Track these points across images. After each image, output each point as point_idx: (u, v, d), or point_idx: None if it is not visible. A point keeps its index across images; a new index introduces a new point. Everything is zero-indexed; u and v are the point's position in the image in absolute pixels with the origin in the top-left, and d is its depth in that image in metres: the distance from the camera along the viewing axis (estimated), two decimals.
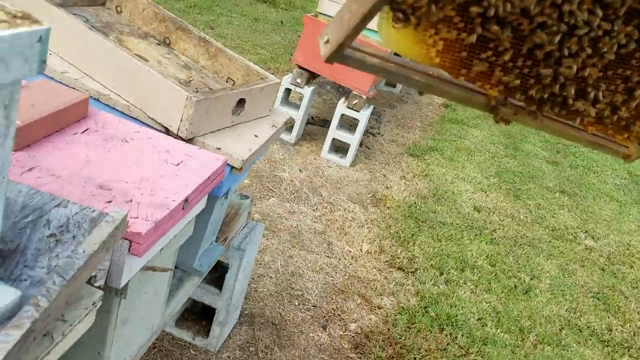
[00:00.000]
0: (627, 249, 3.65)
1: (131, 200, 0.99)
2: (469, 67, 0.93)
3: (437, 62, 0.91)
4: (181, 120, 1.25)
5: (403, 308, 2.51)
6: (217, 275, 2.02)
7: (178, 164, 1.15)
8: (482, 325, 2.51)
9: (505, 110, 1.02)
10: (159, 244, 1.02)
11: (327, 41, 0.84)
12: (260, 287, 2.42)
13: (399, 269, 2.81)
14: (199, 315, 2.10)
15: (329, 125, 3.88)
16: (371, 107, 3.83)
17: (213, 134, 1.34)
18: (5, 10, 0.53)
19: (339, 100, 4.03)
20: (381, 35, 0.89)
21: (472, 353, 2.32)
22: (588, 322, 2.80)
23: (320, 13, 3.78)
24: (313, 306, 2.41)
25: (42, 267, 0.71)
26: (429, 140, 4.55)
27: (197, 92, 1.29)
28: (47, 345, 0.67)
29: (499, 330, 2.50)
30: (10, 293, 0.62)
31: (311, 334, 2.25)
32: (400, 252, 2.92)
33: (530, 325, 2.61)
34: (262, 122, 1.48)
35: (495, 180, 4.12)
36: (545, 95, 1.01)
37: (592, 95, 1.03)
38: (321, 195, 3.33)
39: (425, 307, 2.54)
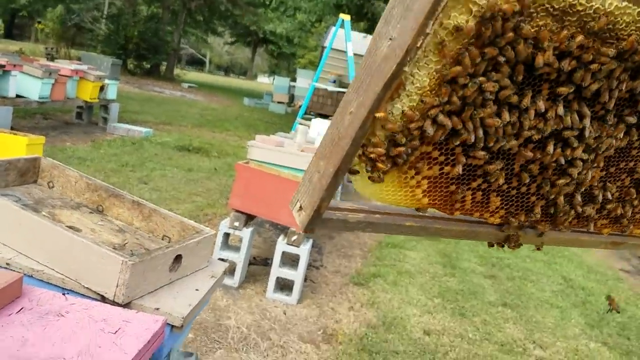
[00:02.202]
0: (576, 354, 3.72)
1: None
2: (462, 200, 0.85)
3: (427, 203, 0.81)
4: (117, 286, 1.26)
5: None
6: None
7: (116, 331, 1.14)
8: None
9: (523, 235, 0.90)
10: None
11: (300, 208, 0.74)
12: None
13: None
14: None
15: (271, 264, 3.90)
16: (311, 241, 3.92)
17: (150, 294, 1.35)
18: None
19: (278, 237, 4.11)
20: (357, 187, 0.83)
21: None
22: None
23: (251, 159, 4.00)
24: None
25: None
26: (371, 267, 4.63)
27: (132, 255, 1.32)
28: None
29: None
30: None
31: None
32: None
33: None
34: (201, 274, 1.51)
35: (440, 300, 4.18)
36: (551, 210, 0.91)
37: (600, 197, 0.93)
38: (270, 339, 3.24)
39: None
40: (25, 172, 1.63)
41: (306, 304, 3.78)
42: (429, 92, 0.74)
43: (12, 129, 5.83)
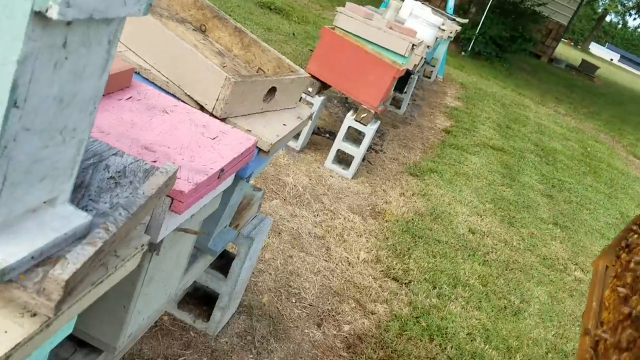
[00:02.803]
0: None
1: (173, 163, 1.04)
2: None
3: None
4: (217, 100, 1.32)
5: (395, 316, 2.56)
6: (223, 262, 2.07)
7: (214, 138, 1.21)
8: (471, 340, 2.57)
9: None
10: (193, 208, 1.08)
11: None
12: (260, 282, 2.46)
13: (394, 279, 2.86)
14: (199, 301, 2.14)
15: (334, 136, 3.96)
16: (377, 123, 3.92)
17: (244, 117, 1.41)
18: None
19: (344, 114, 4.12)
20: None
21: None
22: (574, 348, 2.86)
23: (337, 27, 3.89)
24: (309, 305, 2.46)
25: (105, 203, 0.76)
26: (429, 162, 4.64)
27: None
28: (101, 274, 0.73)
29: (487, 346, 2.56)
30: (82, 216, 0.68)
31: (306, 330, 2.29)
32: (396, 264, 2.98)
33: (517, 345, 2.67)
34: (289, 113, 1.55)
35: (491, 206, 4.20)
36: None
37: None
38: (322, 203, 3.39)
39: (417, 317, 2.59)
40: None
41: (360, 180, 3.88)
42: None
43: None
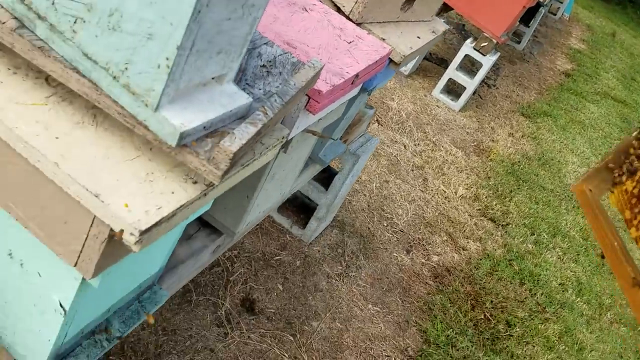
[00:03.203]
0: None
1: None
2: None
3: None
4: (356, 3, 1.27)
5: (488, 255, 2.51)
6: (324, 176, 2.10)
7: (350, 42, 1.18)
8: (563, 291, 2.49)
9: None
10: (323, 112, 1.08)
11: None
12: (355, 201, 2.49)
13: (491, 219, 2.79)
14: (298, 209, 2.20)
15: (445, 65, 3.78)
16: (497, 55, 3.68)
17: (378, 24, 1.35)
18: None
19: (459, 42, 3.89)
20: None
21: (548, 312, 2.31)
22: None
23: None
24: (400, 230, 2.46)
25: (260, 89, 0.77)
26: (544, 105, 4.35)
27: None
28: (249, 158, 0.74)
29: (578, 299, 2.47)
30: (244, 97, 0.69)
31: (394, 254, 2.31)
32: (495, 205, 2.89)
33: (610, 303, 2.56)
34: (423, 26, 1.48)
35: None
36: None
37: None
38: (425, 132, 3.30)
39: (510, 260, 2.53)
40: None
41: (468, 114, 3.72)
42: None
43: None
